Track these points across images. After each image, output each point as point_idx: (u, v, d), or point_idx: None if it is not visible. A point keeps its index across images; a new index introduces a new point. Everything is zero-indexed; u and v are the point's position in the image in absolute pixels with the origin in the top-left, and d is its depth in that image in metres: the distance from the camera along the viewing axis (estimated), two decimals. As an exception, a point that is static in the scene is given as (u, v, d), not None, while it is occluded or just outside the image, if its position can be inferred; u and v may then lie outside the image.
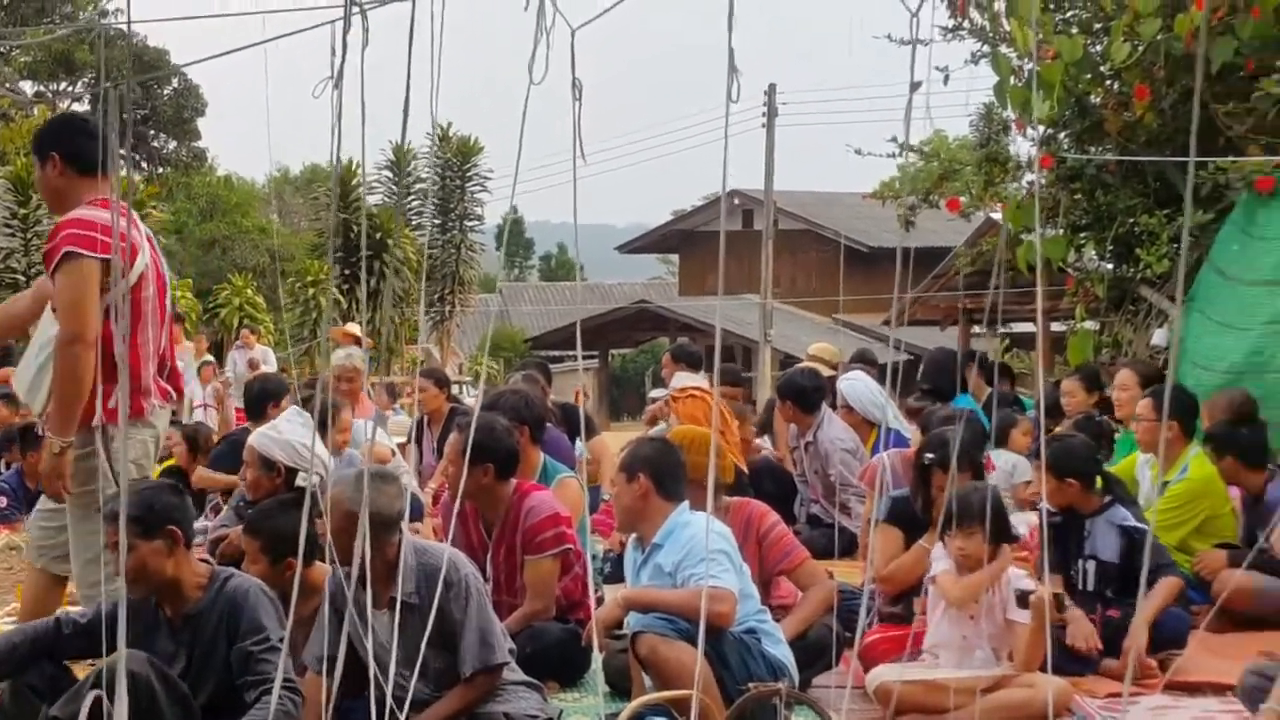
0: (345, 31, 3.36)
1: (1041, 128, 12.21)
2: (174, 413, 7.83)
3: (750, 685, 5.25)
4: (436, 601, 5.01)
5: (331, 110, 3.50)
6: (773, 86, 31.31)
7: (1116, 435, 9.29)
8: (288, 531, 5.96)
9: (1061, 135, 12.60)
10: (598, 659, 6.13)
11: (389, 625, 5.15)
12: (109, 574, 5.14)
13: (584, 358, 30.84)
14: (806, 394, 9.78)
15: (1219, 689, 6.18)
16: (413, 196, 33.51)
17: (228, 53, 4.68)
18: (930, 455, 6.82)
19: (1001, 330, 25.58)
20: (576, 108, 4.09)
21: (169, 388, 6.17)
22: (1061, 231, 12.42)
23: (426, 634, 4.75)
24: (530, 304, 47.48)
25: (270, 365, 17.42)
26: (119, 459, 5.70)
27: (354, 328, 21.26)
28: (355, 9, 3.58)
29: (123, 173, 5.07)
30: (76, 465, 5.73)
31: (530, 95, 3.98)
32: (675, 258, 50.15)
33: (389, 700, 3.94)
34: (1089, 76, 11.97)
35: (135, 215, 5.96)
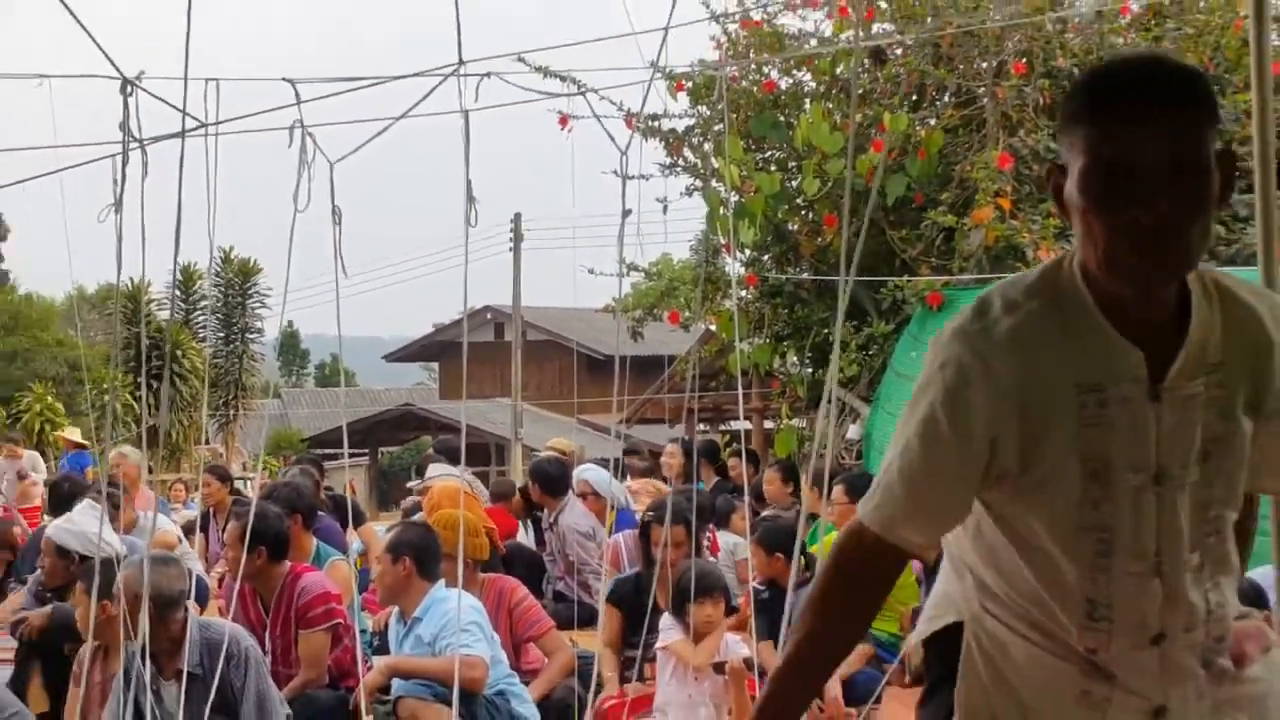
0: (124, 164, 3.31)
1: (746, 251, 12.49)
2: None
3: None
4: (219, 672, 4.90)
5: (115, 232, 3.43)
6: (518, 215, 31.47)
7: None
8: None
9: (764, 257, 12.87)
10: (367, 721, 6.06)
11: (176, 694, 5.01)
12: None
13: (354, 455, 30.56)
14: (553, 480, 9.77)
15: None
16: (199, 312, 33.02)
17: (24, 180, 4.56)
18: (650, 513, 7.34)
19: (723, 427, 26.01)
20: (337, 231, 4.08)
21: None
22: (767, 340, 12.66)
23: (210, 701, 4.63)
24: (307, 407, 46.86)
25: (40, 472, 16.67)
26: None
27: (73, 432, 20.63)
28: (134, 143, 3.53)
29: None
30: None
31: (297, 220, 3.96)
32: (436, 365, 49.98)
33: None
34: (786, 207, 12.26)
35: None
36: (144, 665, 4.75)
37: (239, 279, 31.54)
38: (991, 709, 2.36)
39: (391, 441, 40.64)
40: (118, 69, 3.21)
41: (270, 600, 6.66)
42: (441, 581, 6.12)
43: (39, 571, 8.15)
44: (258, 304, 33.01)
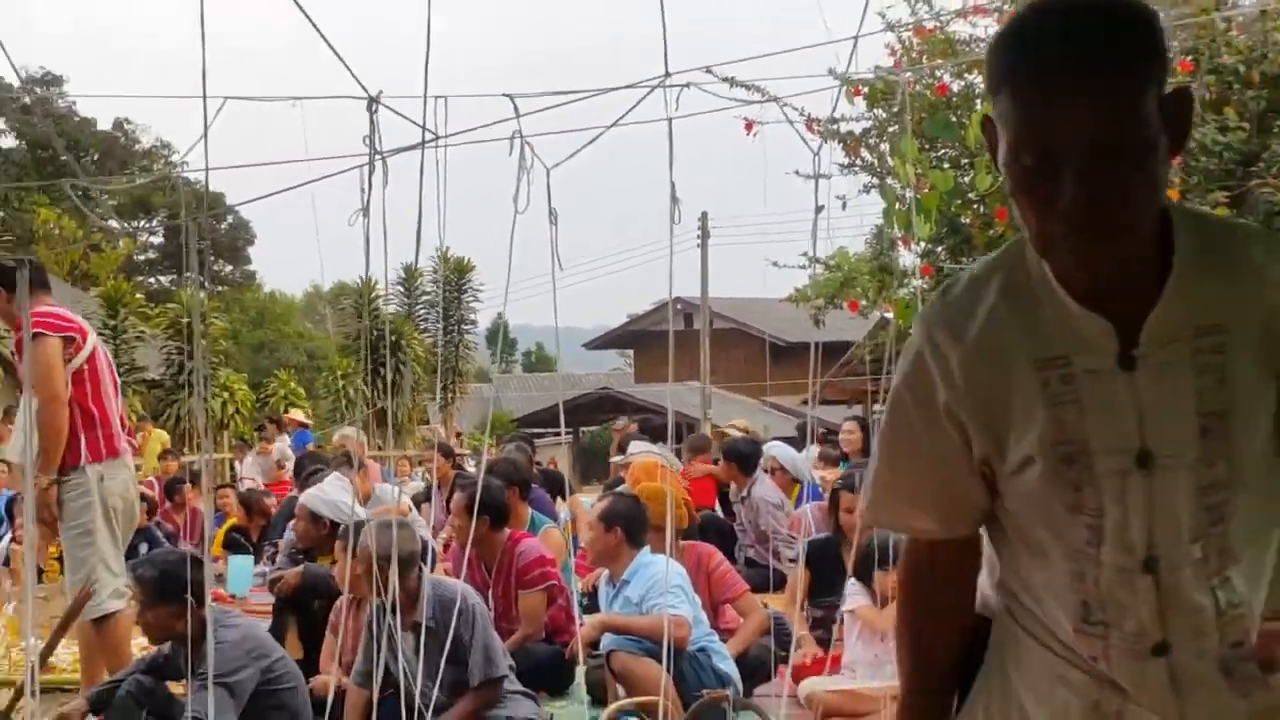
0: (370, 174, 3.41)
1: (922, 244, 12.37)
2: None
3: (703, 693, 5.27)
4: (450, 625, 5.01)
5: (363, 236, 3.54)
6: (704, 214, 31.56)
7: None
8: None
9: (938, 249, 12.74)
10: (581, 672, 6.15)
11: (414, 644, 5.14)
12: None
13: (560, 434, 30.90)
14: (745, 457, 9.82)
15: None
16: (420, 306, 33.76)
17: (274, 193, 4.71)
18: (840, 481, 7.45)
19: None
20: (554, 232, 4.13)
21: (129, 439, 6.33)
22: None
23: (444, 652, 4.75)
24: (515, 391, 47.57)
25: (289, 458, 17.20)
26: (110, 494, 5.89)
27: (297, 413, 21.23)
28: (378, 156, 3.63)
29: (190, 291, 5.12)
30: (68, 503, 5.81)
31: (516, 222, 4.02)
32: (631, 352, 50.33)
33: (417, 704, 3.93)
34: (959, 202, 12.12)
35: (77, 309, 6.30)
36: (388, 618, 4.86)
37: (455, 276, 32.08)
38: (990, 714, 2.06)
39: (590, 422, 40.95)
40: (364, 88, 3.31)
41: (492, 564, 6.83)
42: (647, 548, 6.19)
43: (291, 535, 8.44)
44: (471, 298, 33.56)
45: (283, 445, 18.31)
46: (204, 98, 3.24)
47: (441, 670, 4.85)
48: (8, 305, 5.81)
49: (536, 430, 29.33)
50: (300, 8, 3.05)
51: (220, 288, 44.92)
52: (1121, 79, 1.68)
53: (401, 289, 33.15)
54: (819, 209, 4.30)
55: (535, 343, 54.30)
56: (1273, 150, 11.86)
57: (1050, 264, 1.82)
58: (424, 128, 3.49)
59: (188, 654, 4.89)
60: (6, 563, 11.61)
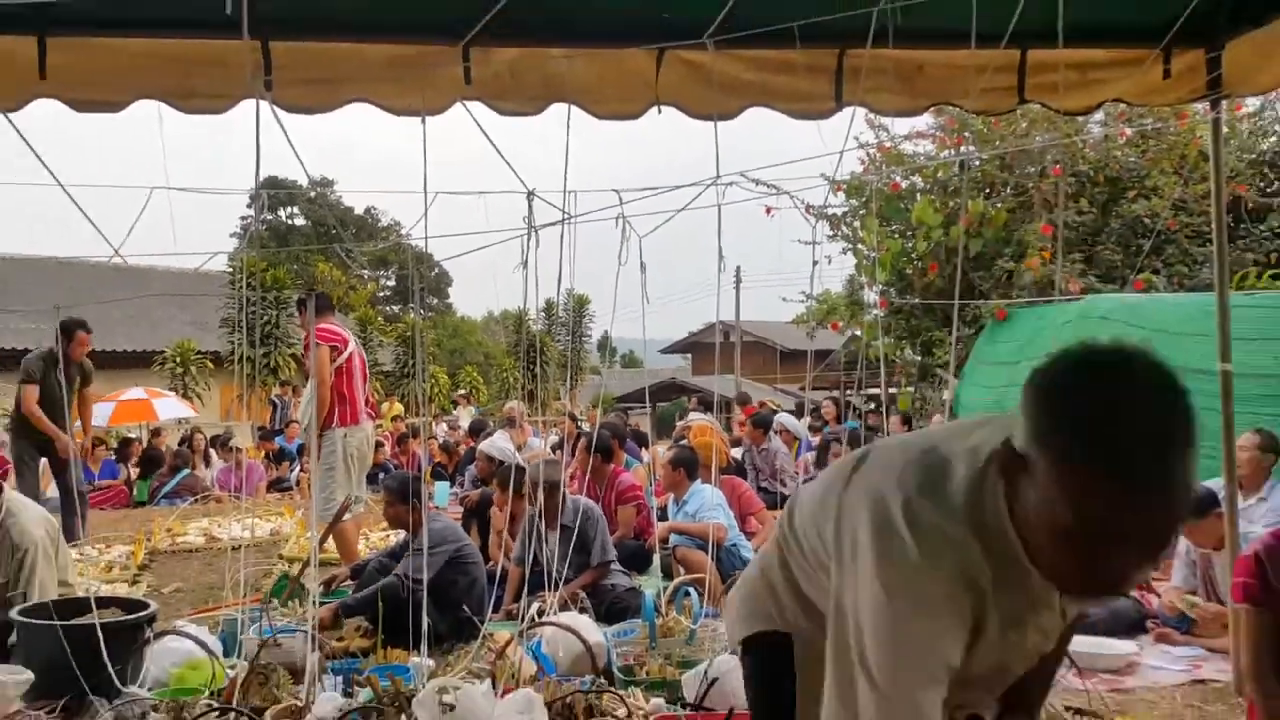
0: (528, 242, 3.48)
1: (879, 286, 12.32)
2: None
3: (735, 574, 5.26)
4: (580, 526, 5.04)
5: (523, 280, 3.60)
6: (739, 267, 31.53)
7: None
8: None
9: (890, 289, 12.71)
10: (656, 558, 6.18)
11: (556, 539, 5.19)
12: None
13: (642, 408, 31.09)
14: (765, 422, 9.78)
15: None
16: (556, 325, 34.17)
17: (465, 254, 4.78)
18: (831, 435, 8.23)
19: (863, 392, 25.49)
20: (643, 278, 4.15)
21: (370, 411, 6.47)
22: (891, 339, 12.48)
23: (572, 544, 4.79)
24: (615, 379, 47.87)
25: (464, 422, 17.39)
26: (353, 444, 6.03)
27: (462, 398, 21.45)
28: (533, 229, 3.70)
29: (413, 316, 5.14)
30: (324, 451, 5.97)
31: (617, 272, 4.01)
32: (689, 355, 50.26)
33: (554, 578, 3.99)
34: (905, 259, 12.06)
35: (345, 325, 6.38)
36: (540, 522, 4.92)
37: (577, 306, 32.35)
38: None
39: (663, 399, 41.17)
40: (524, 184, 3.39)
41: (601, 486, 6.87)
42: (699, 480, 6.20)
43: (473, 470, 8.55)
44: (589, 320, 33.83)
45: (466, 414, 18.55)
46: (424, 193, 3.31)
47: (570, 556, 4.90)
48: (317, 319, 5.93)
49: (628, 404, 29.40)
50: (484, 133, 3.11)
51: (430, 313, 45.59)
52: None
53: (544, 314, 33.66)
54: (815, 263, 4.30)
55: (629, 349, 54.21)
56: (1111, 227, 11.70)
57: (1025, 536, 1.38)
58: (563, 211, 3.55)
59: (411, 533, 5.00)
60: (297, 484, 11.88)
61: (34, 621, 3.80)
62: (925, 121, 12.45)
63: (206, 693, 3.78)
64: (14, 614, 3.97)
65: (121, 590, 5.99)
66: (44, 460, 8.06)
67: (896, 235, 12.04)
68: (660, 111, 4.03)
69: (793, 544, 1.75)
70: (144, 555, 7.48)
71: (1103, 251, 11.54)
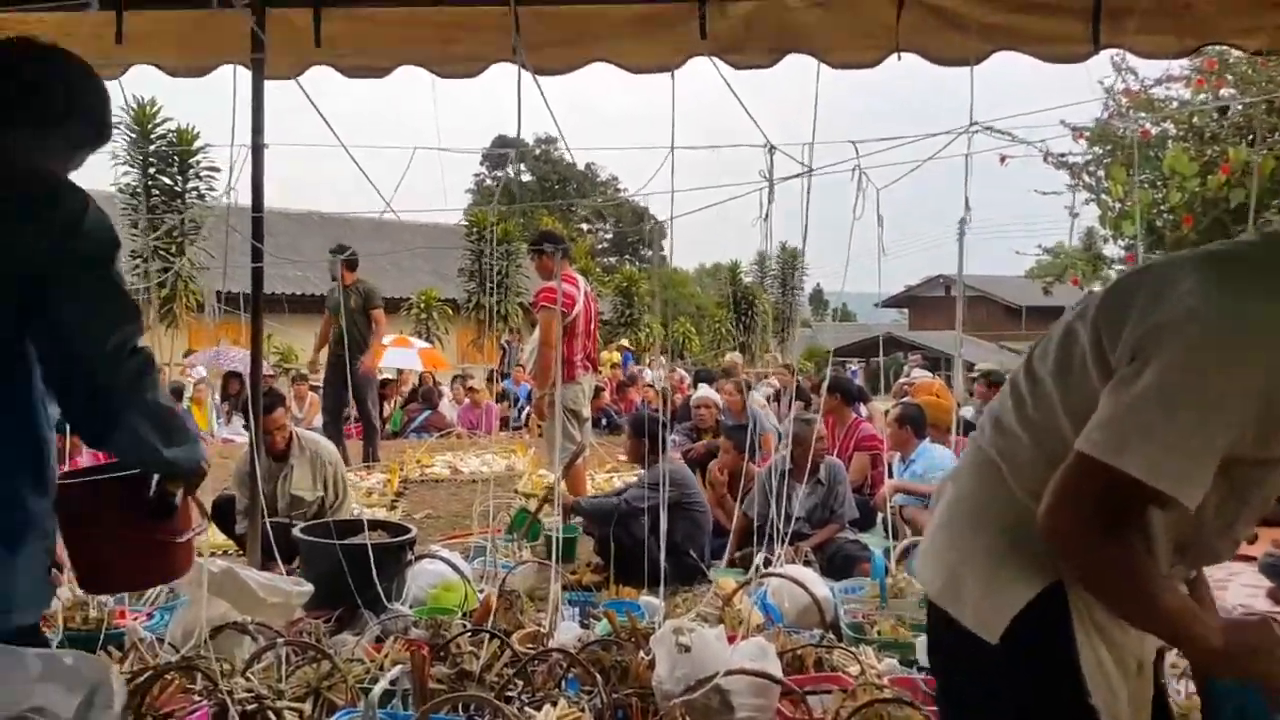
0: (770, 198, 3.42)
1: (1124, 239, 11.34)
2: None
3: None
4: (830, 482, 4.97)
5: (760, 234, 3.55)
6: (962, 220, 29.92)
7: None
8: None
9: (1138, 244, 11.72)
10: (879, 517, 6.05)
11: (803, 492, 5.16)
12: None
13: (858, 362, 30.44)
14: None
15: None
16: (767, 278, 34.05)
17: (697, 210, 4.78)
18: None
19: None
20: (880, 231, 3.99)
21: (589, 364, 6.46)
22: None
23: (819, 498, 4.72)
24: (828, 333, 46.93)
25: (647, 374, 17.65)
26: (569, 399, 6.05)
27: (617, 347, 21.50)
28: (767, 183, 3.63)
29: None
30: (551, 401, 6.04)
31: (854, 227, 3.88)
32: (907, 310, 48.49)
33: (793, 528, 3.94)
34: (1155, 210, 11.07)
35: (584, 281, 6.29)
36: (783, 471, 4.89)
37: (791, 259, 31.92)
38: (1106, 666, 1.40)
39: (875, 354, 40.08)
40: (765, 136, 3.33)
41: (839, 431, 6.83)
42: (927, 439, 5.98)
43: (691, 420, 8.60)
44: (801, 274, 33.30)
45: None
46: (671, 149, 3.31)
47: (810, 508, 4.88)
48: (550, 263, 6.08)
49: (843, 359, 28.87)
50: (729, 86, 3.06)
51: (645, 264, 46.34)
52: None
53: (757, 267, 33.56)
54: (1075, 215, 3.99)
55: (842, 302, 52.96)
56: None
57: None
58: (802, 163, 3.46)
59: (646, 469, 5.12)
60: (525, 424, 12.44)
61: (317, 540, 4.19)
62: (1179, 64, 11.24)
63: (459, 614, 4.04)
64: (296, 532, 4.39)
65: (380, 514, 6.52)
66: (311, 393, 8.85)
67: (1146, 185, 11.04)
68: (900, 59, 3.85)
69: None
70: (398, 483, 8.11)
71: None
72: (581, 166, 47.94)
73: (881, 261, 3.98)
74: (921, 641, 3.45)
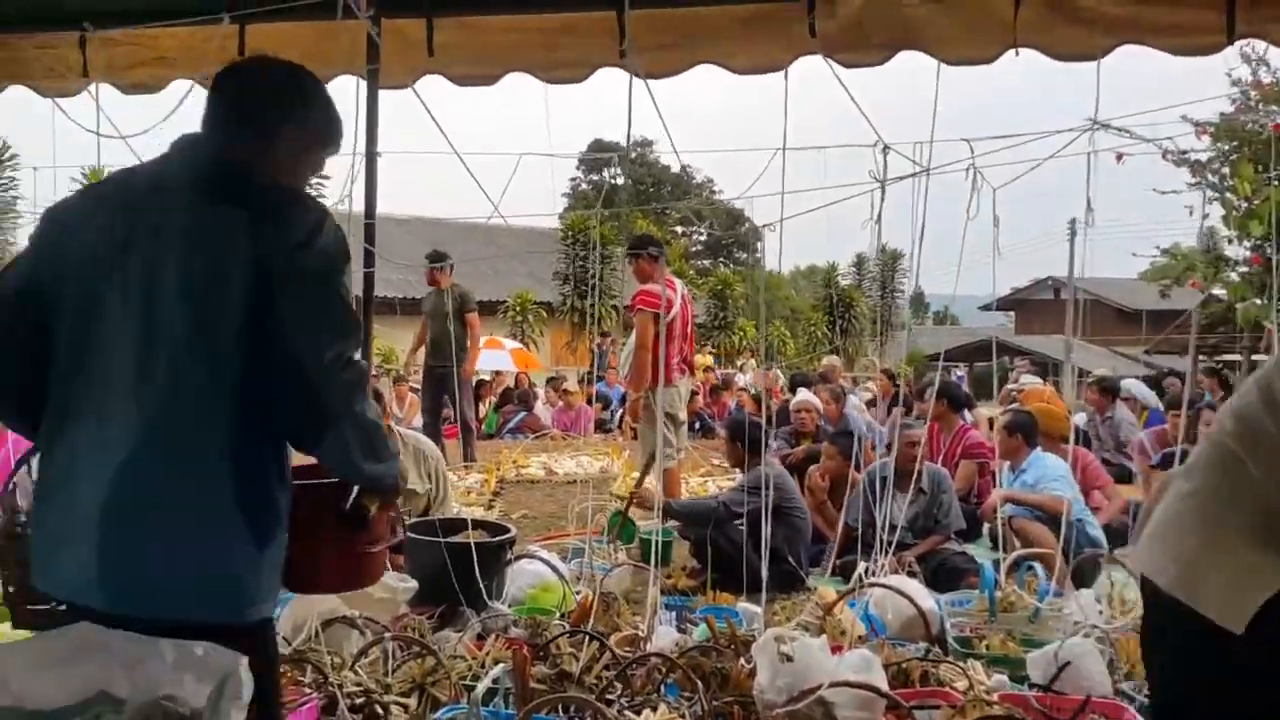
0: (883, 199, 3.35)
1: (1252, 240, 10.76)
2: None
3: (1083, 550, 4.87)
4: (934, 492, 4.88)
5: (871, 238, 3.48)
6: (1073, 219, 28.90)
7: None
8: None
9: (1266, 245, 11.15)
10: (986, 528, 5.89)
11: (906, 500, 5.06)
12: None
13: (956, 368, 29.84)
14: (1113, 386, 8.96)
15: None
16: (865, 279, 33.53)
17: (799, 214, 4.73)
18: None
19: (1216, 359, 22.87)
20: (995, 232, 3.89)
21: (685, 367, 6.51)
22: (1259, 301, 10.92)
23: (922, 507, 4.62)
24: (927, 337, 45.83)
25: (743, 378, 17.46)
26: (666, 402, 6.03)
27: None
28: (878, 184, 3.56)
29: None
30: (644, 406, 6.11)
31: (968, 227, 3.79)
32: (1013, 313, 47.05)
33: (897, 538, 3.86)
34: (1284, 211, 10.52)
35: (681, 284, 6.29)
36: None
37: (891, 261, 31.36)
38: None
39: (980, 359, 38.93)
40: (878, 135, 3.26)
41: (946, 437, 6.69)
42: (1039, 447, 5.78)
43: (791, 425, 8.48)
44: (901, 276, 32.67)
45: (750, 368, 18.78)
46: (783, 150, 3.28)
47: (912, 517, 4.77)
48: (649, 267, 6.15)
49: (946, 364, 28.38)
50: (843, 85, 3.02)
51: (740, 266, 46.17)
52: None
53: (854, 269, 33.13)
54: (1205, 216, 3.81)
55: (943, 305, 51.81)
56: None
57: None
58: (915, 162, 3.39)
59: (744, 473, 5.08)
60: (619, 426, 12.49)
61: (424, 538, 4.29)
62: (1315, 52, 10.65)
63: (557, 614, 4.09)
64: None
65: (478, 514, 6.64)
66: (411, 394, 9.06)
67: (1276, 183, 10.47)
68: (1017, 54, 3.74)
69: None
70: (494, 483, 8.25)
71: None
72: (676, 169, 48.04)
73: (995, 263, 3.85)
74: (1033, 657, 3.34)
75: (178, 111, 3.63)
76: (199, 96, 3.98)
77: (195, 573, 1.71)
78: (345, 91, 4.00)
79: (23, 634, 3.41)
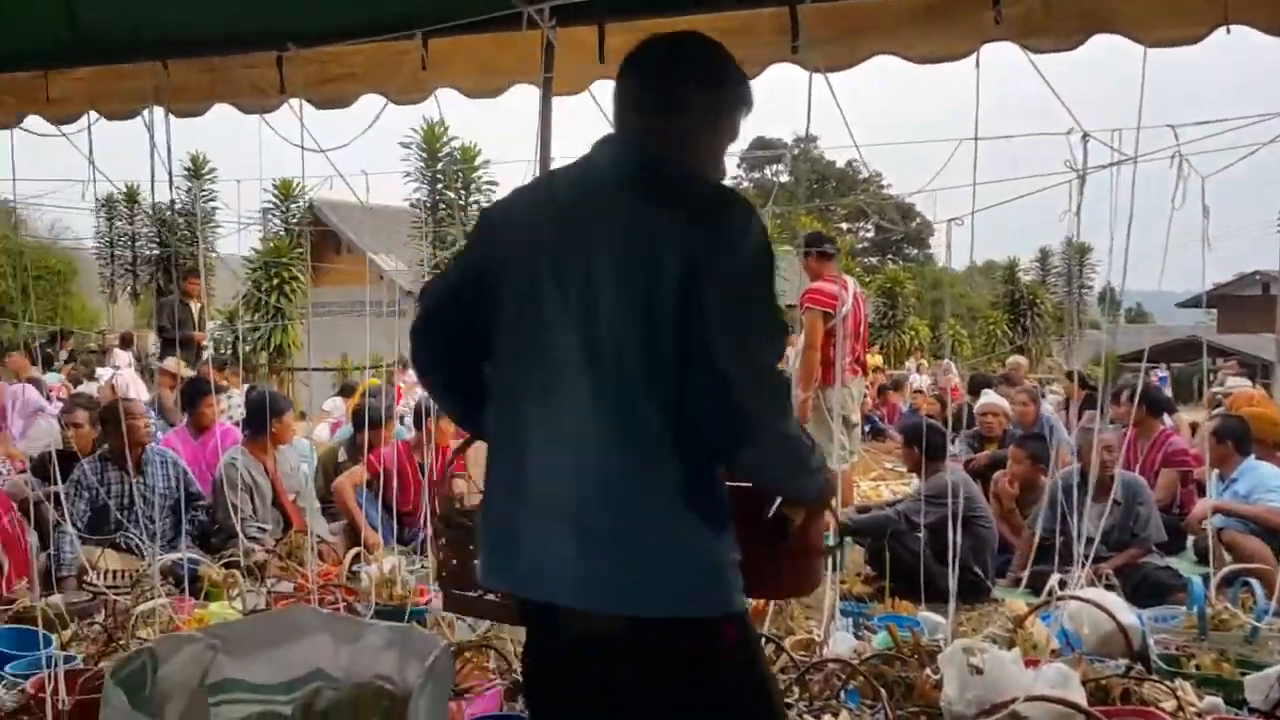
0: (1082, 187, 3.20)
1: None
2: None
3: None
4: (1129, 502, 4.62)
5: (1069, 232, 3.32)
6: (1284, 207, 26.53)
7: None
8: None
9: None
10: (1190, 541, 5.52)
11: (1103, 511, 4.81)
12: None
13: (1156, 369, 27.98)
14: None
15: None
16: (1049, 275, 31.96)
17: (986, 208, 4.54)
18: None
19: None
20: (1205, 224, 3.64)
21: (859, 368, 6.44)
22: None
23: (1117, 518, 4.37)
24: (1120, 336, 43.06)
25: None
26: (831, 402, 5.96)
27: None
28: (1077, 175, 3.38)
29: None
30: (813, 406, 5.99)
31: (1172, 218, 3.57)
32: (1215, 311, 43.65)
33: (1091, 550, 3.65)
34: None
35: (853, 283, 6.36)
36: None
37: (1079, 254, 29.84)
38: None
39: (1179, 359, 36.36)
40: (1079, 125, 3.11)
41: (1146, 444, 6.35)
42: (1252, 455, 5.35)
43: (974, 428, 8.13)
44: (1089, 271, 30.99)
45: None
46: (975, 139, 3.19)
47: (1106, 529, 4.52)
48: (819, 265, 6.15)
49: (1134, 365, 26.59)
50: (1039, 73, 2.91)
51: (910, 263, 44.88)
52: None
53: (1039, 265, 31.77)
54: None
55: (1136, 302, 48.62)
56: None
57: None
58: (1118, 151, 3.22)
59: (922, 479, 4.93)
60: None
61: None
62: None
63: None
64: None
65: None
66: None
67: None
68: (1229, 32, 3.47)
69: None
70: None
71: None
72: (841, 164, 47.16)
73: (1205, 257, 3.60)
74: (1252, 679, 3.11)
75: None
76: (392, 111, 4.26)
77: (682, 569, 1.63)
78: (522, 102, 4.15)
79: (232, 613, 3.72)
